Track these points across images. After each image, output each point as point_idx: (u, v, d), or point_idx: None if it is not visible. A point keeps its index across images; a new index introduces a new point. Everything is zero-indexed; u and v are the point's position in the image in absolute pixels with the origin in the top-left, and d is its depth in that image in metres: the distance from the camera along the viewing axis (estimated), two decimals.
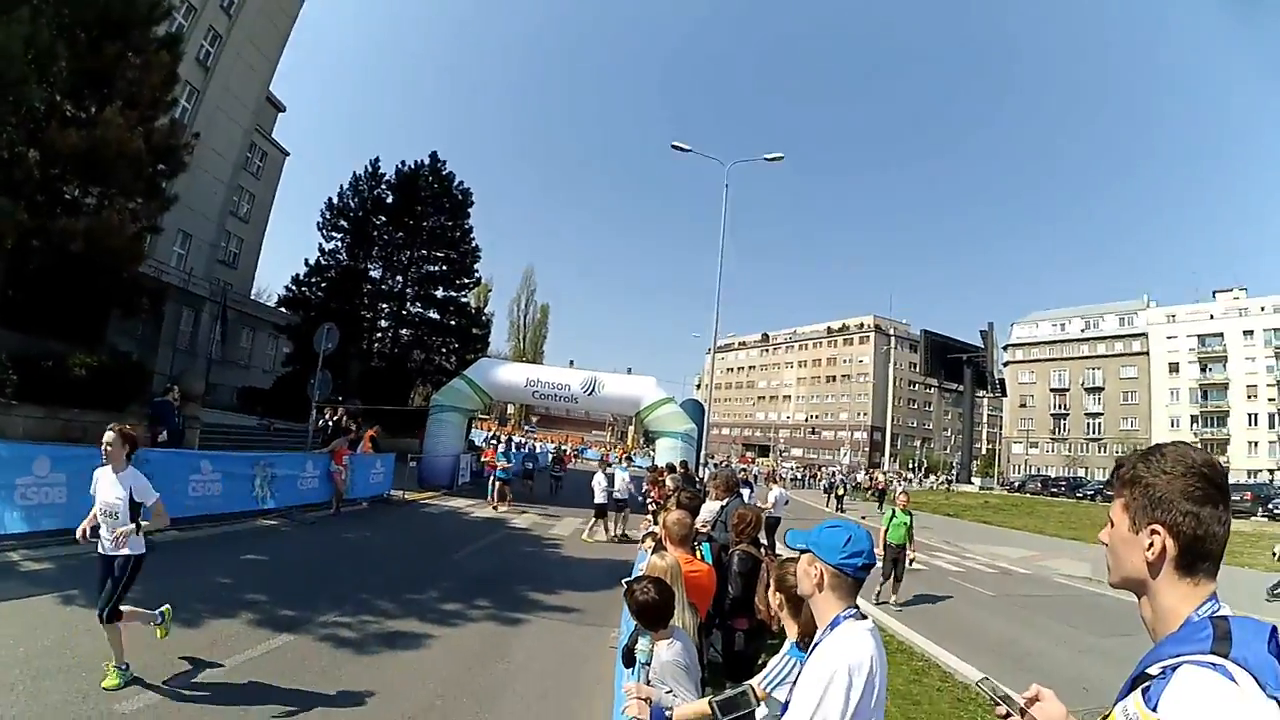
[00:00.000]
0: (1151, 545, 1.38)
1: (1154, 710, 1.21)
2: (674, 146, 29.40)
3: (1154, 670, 1.28)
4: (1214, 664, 1.20)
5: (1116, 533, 1.49)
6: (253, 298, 45.35)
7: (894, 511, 13.40)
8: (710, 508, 7.92)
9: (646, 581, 3.56)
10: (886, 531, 12.95)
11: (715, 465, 36.73)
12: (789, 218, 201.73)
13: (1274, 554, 17.79)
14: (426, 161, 39.68)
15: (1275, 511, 37.95)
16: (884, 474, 59.64)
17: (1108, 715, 1.32)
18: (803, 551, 2.37)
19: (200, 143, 24.63)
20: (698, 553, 5.63)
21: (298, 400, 28.44)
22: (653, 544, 6.50)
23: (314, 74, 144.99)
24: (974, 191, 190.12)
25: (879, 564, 11.83)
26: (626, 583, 3.68)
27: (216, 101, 34.08)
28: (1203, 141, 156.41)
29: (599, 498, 17.69)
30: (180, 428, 14.08)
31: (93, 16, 16.25)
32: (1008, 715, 1.65)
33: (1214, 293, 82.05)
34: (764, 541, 6.79)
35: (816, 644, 2.22)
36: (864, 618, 2.21)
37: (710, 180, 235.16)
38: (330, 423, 19.52)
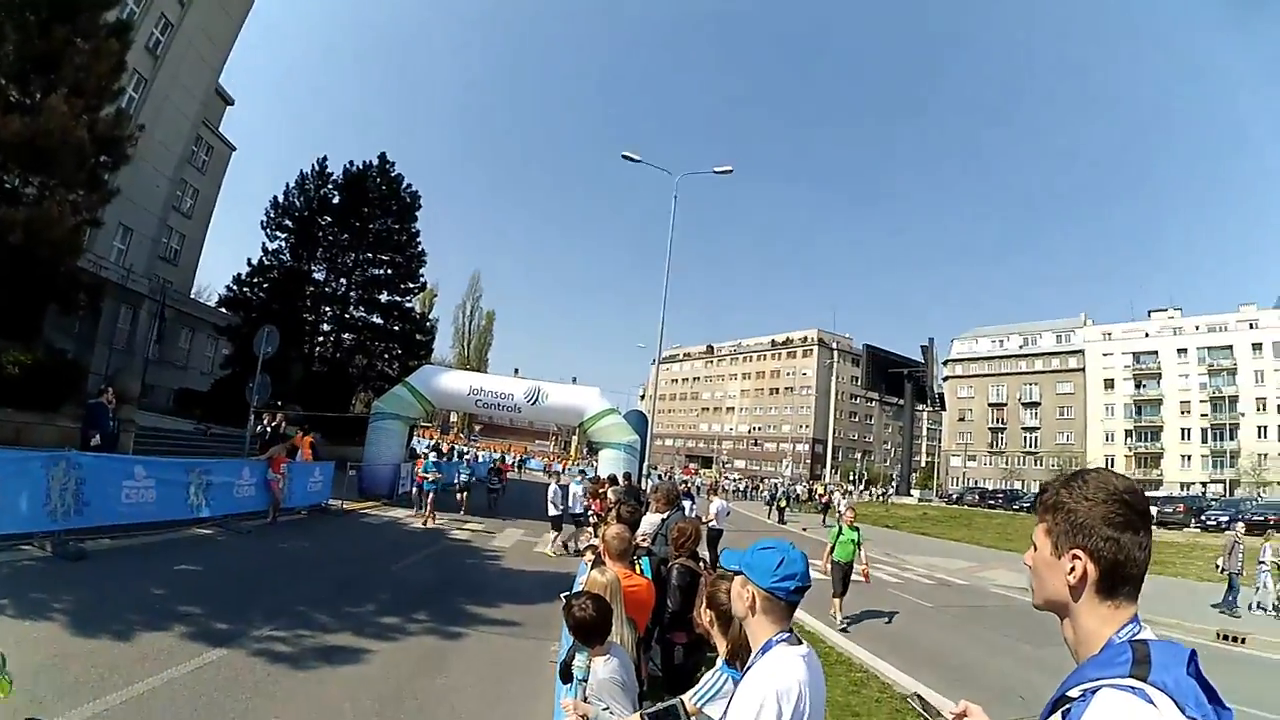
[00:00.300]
0: (1073, 569, 1.41)
1: None
2: (624, 157, 29.57)
3: (1074, 693, 1.31)
4: (1133, 687, 1.23)
5: (1039, 556, 1.51)
6: (193, 296, 44.24)
7: (840, 528, 12.96)
8: (650, 520, 8.01)
9: (585, 598, 3.59)
10: (833, 549, 12.61)
11: (658, 477, 36.89)
12: (736, 230, 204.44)
13: (1217, 566, 18.42)
14: (375, 162, 39.19)
15: (1208, 523, 39.42)
16: (826, 487, 59.96)
17: None
18: (736, 573, 2.33)
19: (145, 134, 24.11)
20: (637, 567, 5.66)
21: (236, 404, 27.78)
22: (593, 557, 6.51)
23: (263, 68, 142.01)
24: (918, 210, 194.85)
25: (827, 581, 11.91)
26: (565, 598, 3.73)
27: (165, 91, 33.14)
28: (1138, 167, 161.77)
29: (553, 510, 17.65)
30: (114, 431, 13.70)
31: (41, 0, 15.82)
32: None
33: (1149, 312, 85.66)
34: (704, 555, 6.90)
35: (749, 667, 2.21)
36: (798, 642, 2.20)
37: (659, 189, 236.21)
38: (269, 429, 19.15)
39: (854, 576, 13.01)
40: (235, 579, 10.13)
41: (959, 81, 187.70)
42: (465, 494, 23.00)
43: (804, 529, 34.33)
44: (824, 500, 43.01)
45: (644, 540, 7.04)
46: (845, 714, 7.22)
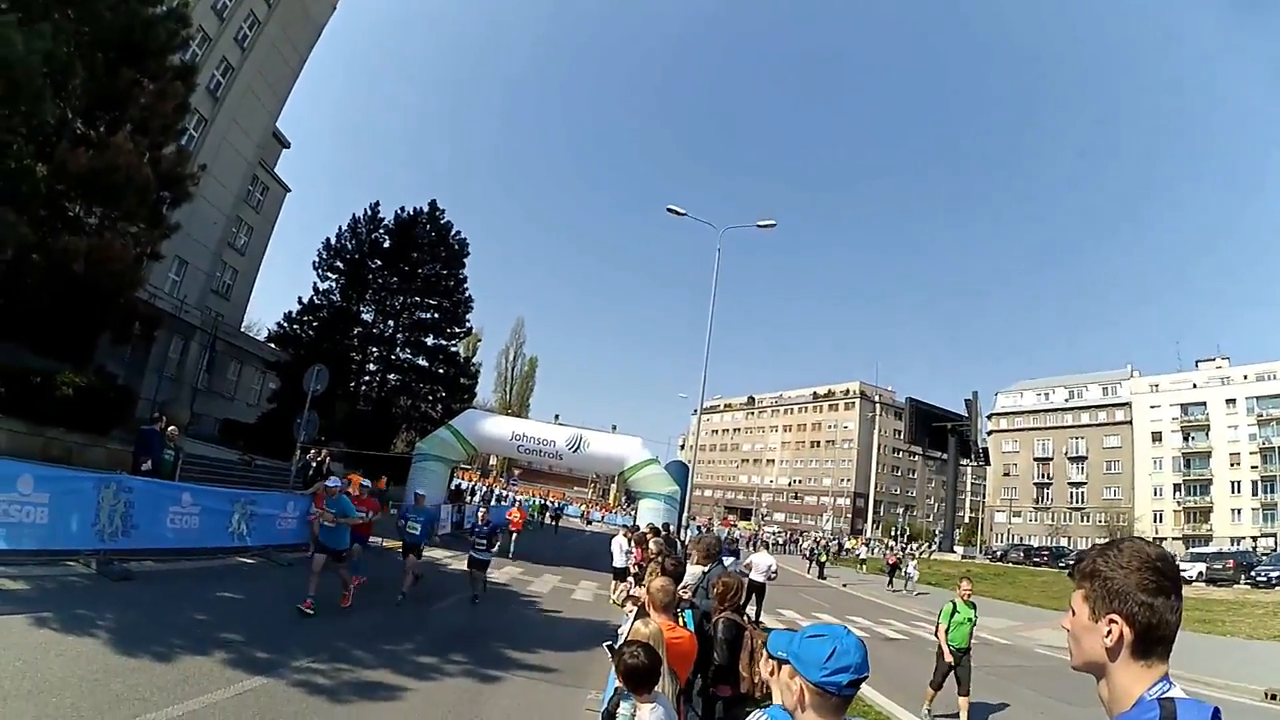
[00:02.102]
0: (1110, 633, 1.50)
1: None
2: (669, 210, 29.61)
3: None
4: None
5: (1077, 621, 1.60)
6: (243, 330, 45.23)
7: (955, 605, 10.40)
8: (692, 573, 7.91)
9: (636, 646, 3.59)
10: (946, 631, 10.23)
11: (699, 528, 36.37)
12: (778, 281, 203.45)
13: None
14: (425, 209, 40.23)
15: (1258, 579, 37.73)
16: (893, 547, 56.88)
17: None
18: (782, 661, 2.06)
19: (205, 172, 24.84)
20: (680, 619, 5.64)
21: (281, 438, 28.20)
22: (634, 608, 6.56)
23: (320, 113, 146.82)
24: (962, 263, 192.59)
25: (931, 671, 10.43)
26: (612, 647, 3.74)
27: (223, 132, 34.49)
28: (1186, 215, 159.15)
29: (618, 560, 17.46)
30: (173, 458, 13.92)
31: (113, 38, 16.43)
32: None
33: (1197, 362, 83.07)
34: (749, 610, 6.80)
35: None
36: None
37: (703, 244, 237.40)
38: (313, 464, 19.33)
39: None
40: (275, 609, 10.07)
41: (989, 127, 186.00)
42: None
43: (844, 584, 33.70)
44: (891, 562, 36.03)
45: (685, 592, 6.98)
46: None
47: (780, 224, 30.73)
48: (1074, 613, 1.62)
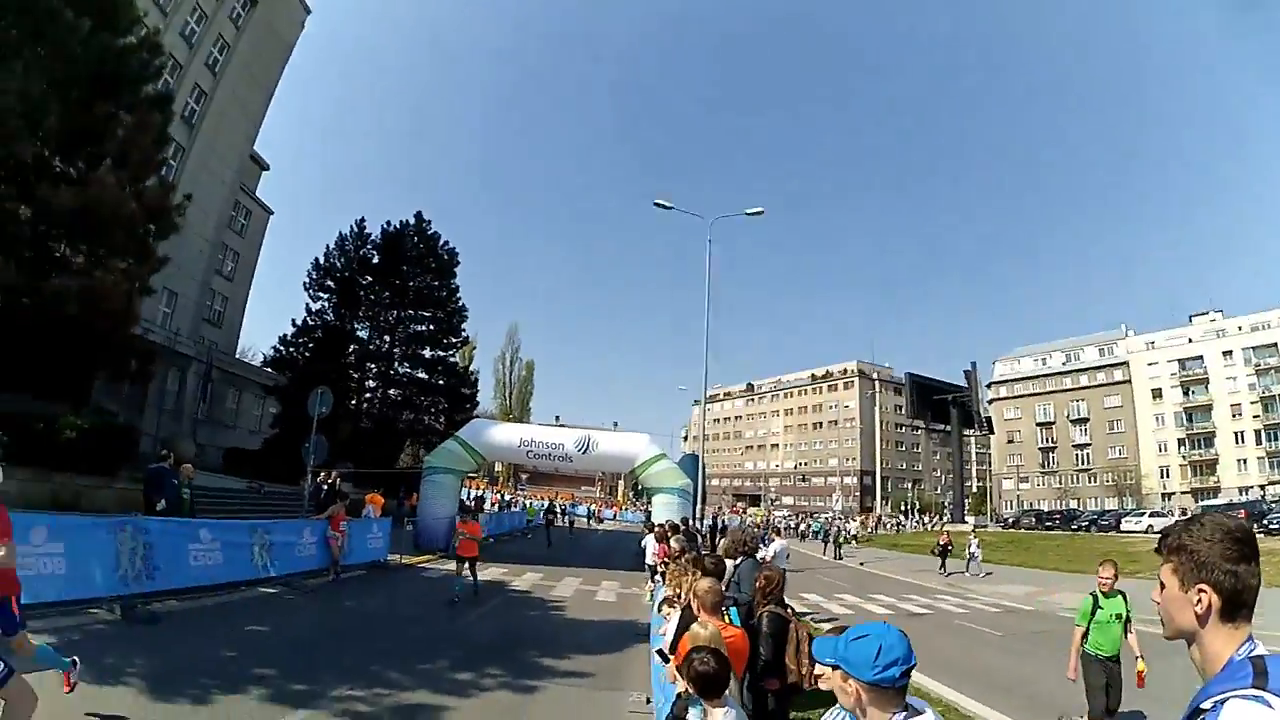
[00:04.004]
0: (1199, 601, 1.62)
1: None
2: (656, 204, 29.63)
3: (1206, 705, 1.49)
4: (1255, 695, 1.42)
5: (1168, 594, 1.71)
6: (238, 357, 45.12)
7: (1096, 598, 7.55)
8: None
9: (705, 652, 3.53)
10: (1086, 633, 7.55)
11: (723, 522, 35.96)
12: (770, 271, 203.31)
13: None
14: (412, 221, 40.33)
15: (1270, 527, 37.87)
16: (948, 525, 51.80)
17: None
18: (833, 667, 2.17)
19: (189, 202, 24.77)
20: (725, 617, 5.61)
21: (286, 462, 28.08)
22: (669, 610, 6.54)
23: (296, 132, 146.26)
24: (947, 232, 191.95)
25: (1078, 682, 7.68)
26: (664, 654, 3.72)
27: (202, 159, 34.38)
28: (1171, 169, 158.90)
29: (650, 559, 17.43)
30: (188, 496, 13.78)
31: (85, 73, 16.23)
32: None
33: (1190, 317, 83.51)
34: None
35: None
36: (920, 711, 2.06)
37: (692, 237, 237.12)
38: (325, 486, 19.24)
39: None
40: (305, 638, 9.96)
41: (974, 92, 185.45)
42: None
43: (861, 563, 33.64)
44: (943, 542, 29.77)
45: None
46: None
47: (768, 211, 30.65)
48: (1163, 586, 1.72)
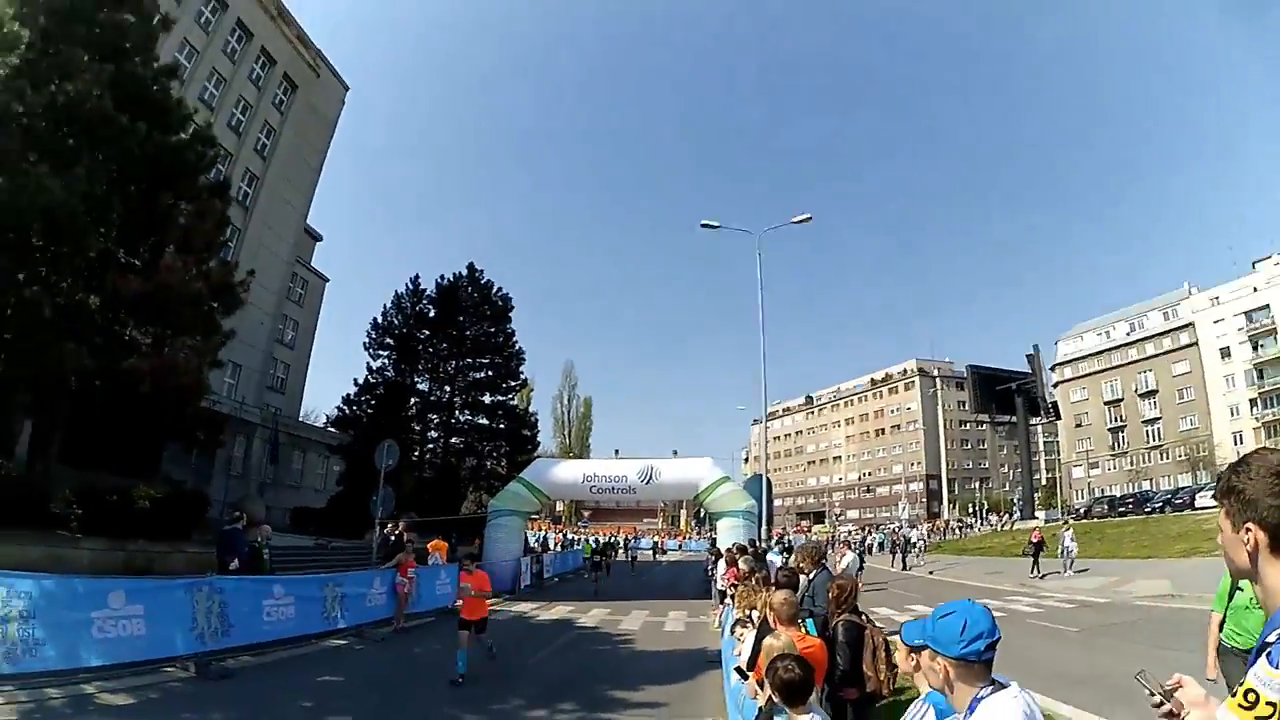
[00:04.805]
0: (1249, 539, 1.65)
1: (1278, 669, 1.44)
2: (704, 225, 29.21)
3: (1272, 638, 1.50)
4: None
5: (1225, 536, 1.75)
6: (301, 419, 46.54)
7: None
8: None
9: (789, 659, 3.62)
10: (1222, 621, 5.96)
11: (789, 541, 35.32)
12: (818, 276, 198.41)
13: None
14: (465, 273, 41.30)
15: None
16: (1017, 522, 50.83)
17: (1242, 683, 1.51)
18: (921, 647, 2.30)
19: (252, 278, 25.75)
20: (801, 628, 5.56)
21: (351, 517, 28.65)
22: (742, 631, 6.60)
23: (345, 197, 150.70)
24: (1001, 215, 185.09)
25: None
26: (743, 670, 3.77)
27: (258, 237, 36.20)
28: (1218, 118, 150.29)
29: (720, 583, 17.33)
30: (267, 556, 14.10)
31: (144, 171, 17.21)
32: (1161, 703, 1.88)
33: (1253, 263, 76.49)
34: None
35: None
36: (1005, 686, 2.12)
37: (739, 252, 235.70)
38: (391, 537, 19.50)
39: None
40: (379, 686, 10.09)
41: (1029, 77, 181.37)
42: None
43: (930, 571, 32.87)
44: (1035, 540, 27.23)
45: None
46: None
47: (814, 217, 29.88)
48: (1222, 529, 1.77)
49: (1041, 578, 25.00)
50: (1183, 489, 54.60)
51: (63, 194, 13.82)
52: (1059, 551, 25.67)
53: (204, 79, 33.36)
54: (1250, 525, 1.64)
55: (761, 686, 4.70)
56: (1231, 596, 6.02)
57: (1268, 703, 1.44)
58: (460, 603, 11.39)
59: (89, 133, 15.73)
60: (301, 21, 41.07)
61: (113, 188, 16.37)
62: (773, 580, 7.56)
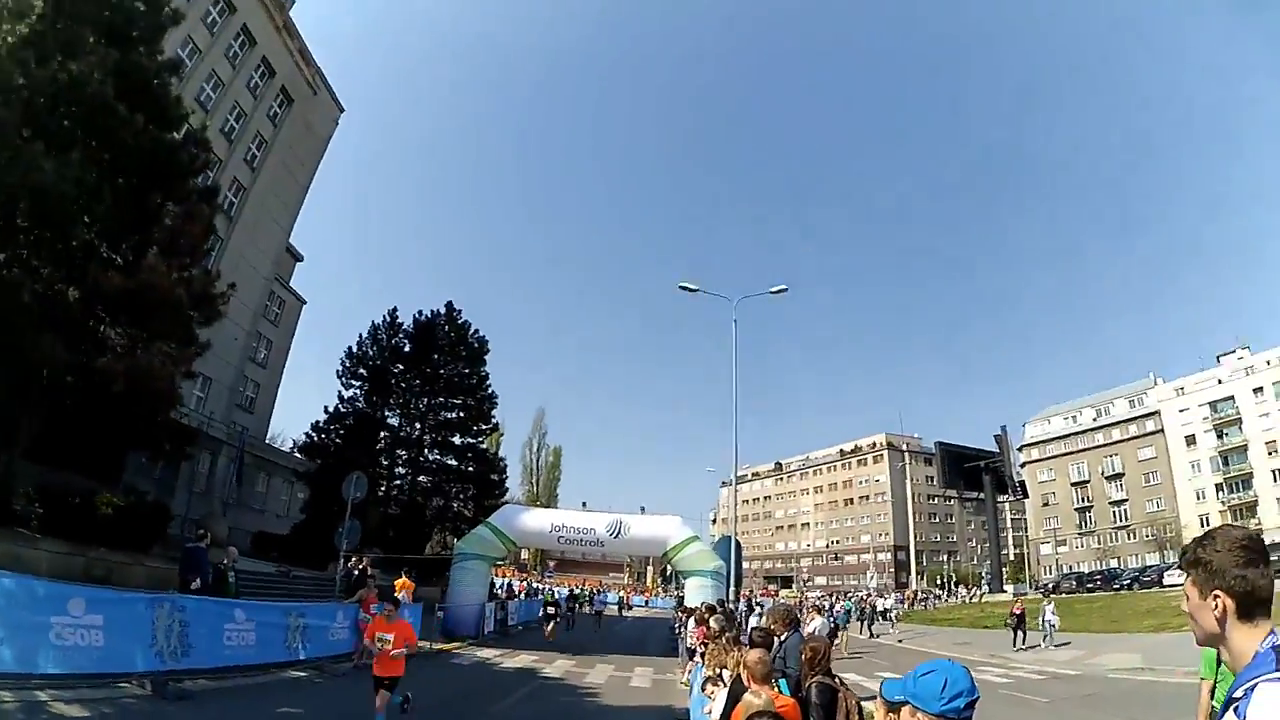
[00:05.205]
0: (1216, 606, 1.78)
1: (1244, 719, 1.56)
2: (681, 287, 29.32)
3: (1238, 694, 1.63)
4: None
5: (1192, 603, 1.87)
6: (268, 441, 45.69)
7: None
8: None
9: (766, 716, 3.70)
10: (1213, 689, 5.29)
11: (757, 604, 35.01)
12: (792, 346, 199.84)
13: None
14: (443, 310, 41.11)
15: None
16: (986, 595, 51.45)
17: None
18: (900, 704, 2.33)
19: (232, 291, 25.60)
20: (774, 688, 5.55)
21: (315, 547, 28.10)
22: (713, 689, 6.52)
23: (330, 221, 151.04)
24: (968, 299, 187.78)
25: None
26: None
27: (240, 250, 35.67)
28: (1182, 212, 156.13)
29: (690, 641, 17.17)
30: (233, 579, 13.81)
31: (136, 165, 16.91)
32: None
33: (1218, 357, 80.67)
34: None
35: None
36: None
37: (714, 313, 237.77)
38: (355, 572, 19.19)
39: None
40: None
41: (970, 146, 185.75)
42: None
43: (900, 640, 32.68)
44: (1017, 612, 26.72)
45: None
46: None
47: (788, 282, 30.35)
48: (1189, 597, 1.89)
49: (1027, 649, 24.66)
50: (1150, 567, 56.27)
51: (55, 176, 13.44)
52: (1039, 624, 25.62)
53: (202, 79, 32.94)
54: (1218, 592, 1.78)
55: None
56: (1220, 663, 4.88)
57: None
58: (370, 651, 9.24)
59: (87, 118, 15.48)
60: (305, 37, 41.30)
61: (104, 178, 15.93)
62: (745, 640, 7.53)
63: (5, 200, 13.75)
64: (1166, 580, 43.96)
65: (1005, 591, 62.06)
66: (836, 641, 25.54)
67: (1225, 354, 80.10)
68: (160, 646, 9.51)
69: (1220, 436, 76.00)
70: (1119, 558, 76.07)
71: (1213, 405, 77.24)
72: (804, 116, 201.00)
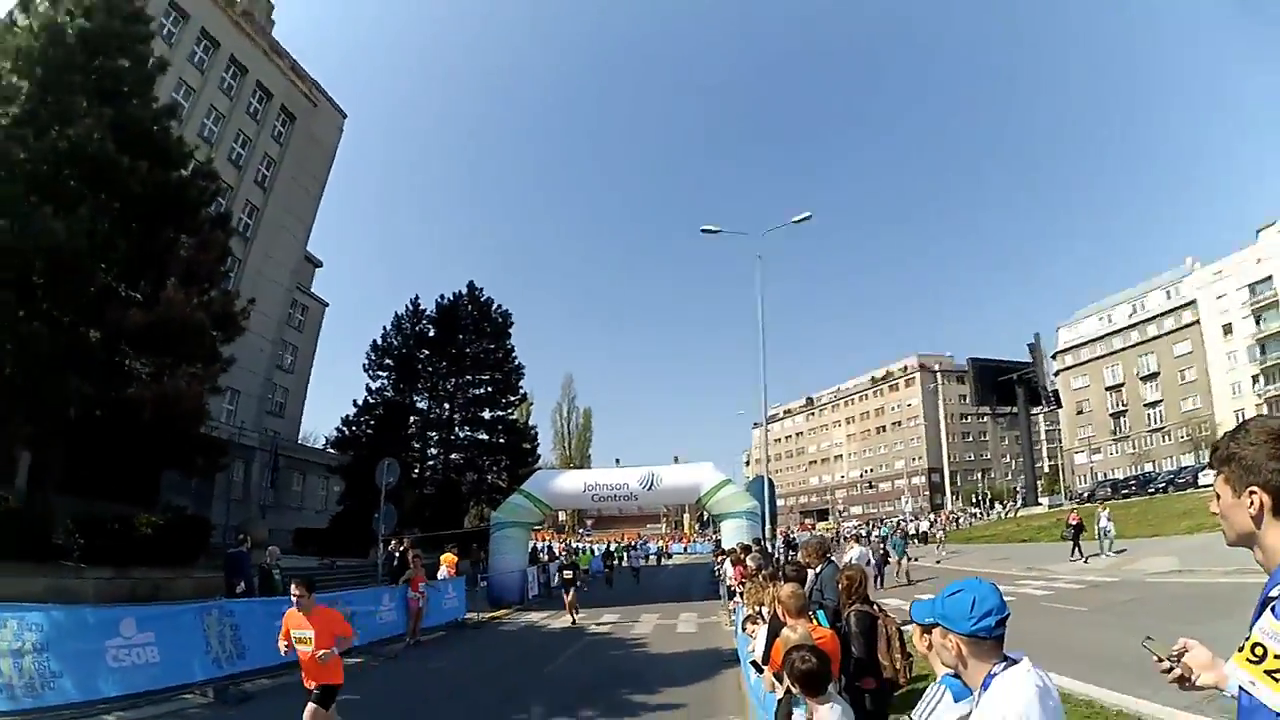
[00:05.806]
0: (1252, 503, 1.68)
1: None
2: (703, 230, 28.28)
3: (1275, 593, 1.56)
4: None
5: (1224, 502, 1.78)
6: (300, 442, 46.65)
7: None
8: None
9: (804, 650, 3.67)
10: None
11: (794, 539, 35.01)
12: (818, 273, 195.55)
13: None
14: (464, 291, 41.53)
15: None
16: (1021, 510, 51.10)
17: (1248, 638, 1.57)
18: (931, 625, 2.31)
19: (252, 306, 25.83)
20: (813, 620, 5.58)
21: (353, 536, 28.66)
22: (754, 627, 6.75)
23: (348, 218, 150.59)
24: (992, 199, 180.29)
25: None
26: (758, 665, 3.82)
27: (258, 267, 36.57)
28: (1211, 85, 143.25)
29: (729, 582, 17.40)
30: (279, 576, 14.12)
31: (146, 208, 17.45)
32: (1170, 668, 1.93)
33: (1257, 231, 71.51)
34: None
35: (976, 707, 2.17)
36: (1017, 661, 2.11)
37: (739, 259, 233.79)
38: (397, 555, 19.51)
39: None
40: (398, 704, 10.08)
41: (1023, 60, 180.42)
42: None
43: (938, 560, 32.86)
44: (1074, 522, 26.09)
45: None
46: None
47: (814, 215, 28.90)
48: (1219, 497, 1.80)
49: (1085, 561, 23.98)
50: (1185, 469, 54.49)
51: (66, 233, 14.02)
52: (1096, 533, 24.79)
53: (203, 116, 33.88)
54: (1255, 489, 1.67)
55: (779, 679, 4.76)
56: None
57: (1276, 655, 1.49)
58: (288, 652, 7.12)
59: (93, 175, 15.98)
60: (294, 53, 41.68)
61: (115, 225, 16.56)
62: (779, 574, 7.59)
63: (21, 263, 14.22)
64: (1201, 480, 43.10)
65: (1040, 504, 61.13)
66: (889, 568, 25.89)
67: (1265, 227, 70.89)
68: (215, 653, 9.85)
69: (1258, 322, 69.73)
70: (1154, 461, 73.50)
71: (1251, 288, 70.32)
72: (816, 41, 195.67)
